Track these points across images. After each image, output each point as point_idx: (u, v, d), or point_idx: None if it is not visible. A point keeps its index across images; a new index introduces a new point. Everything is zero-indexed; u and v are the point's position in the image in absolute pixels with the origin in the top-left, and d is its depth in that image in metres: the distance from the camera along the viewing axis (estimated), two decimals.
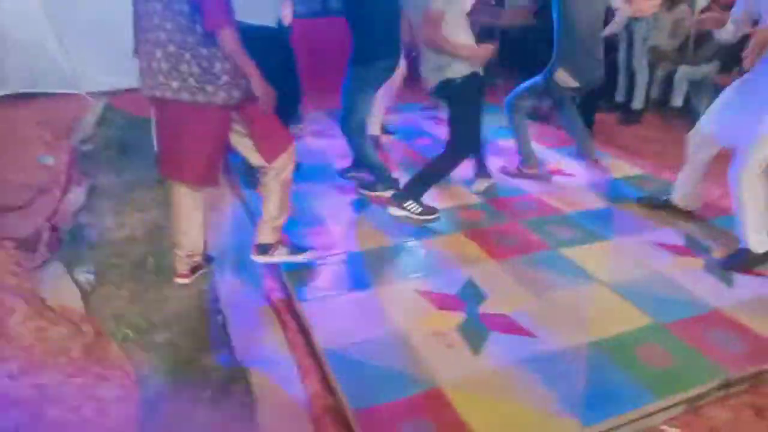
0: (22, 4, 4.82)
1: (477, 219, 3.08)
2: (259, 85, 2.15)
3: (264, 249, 2.49)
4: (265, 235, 2.48)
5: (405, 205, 2.93)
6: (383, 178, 3.32)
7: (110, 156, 3.90)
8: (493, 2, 5.98)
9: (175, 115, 2.21)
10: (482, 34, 3.81)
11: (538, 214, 3.13)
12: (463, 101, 2.88)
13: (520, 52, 5.45)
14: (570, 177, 3.65)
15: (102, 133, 4.26)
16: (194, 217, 2.44)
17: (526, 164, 3.62)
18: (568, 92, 3.49)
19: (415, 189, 2.99)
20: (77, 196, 3.32)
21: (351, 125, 3.22)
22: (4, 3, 4.75)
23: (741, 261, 2.54)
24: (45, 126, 4.23)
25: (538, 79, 3.52)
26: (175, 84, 2.11)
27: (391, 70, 3.21)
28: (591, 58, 3.35)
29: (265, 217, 2.46)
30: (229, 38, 2.05)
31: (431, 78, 2.88)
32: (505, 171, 3.69)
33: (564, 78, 3.34)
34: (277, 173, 2.36)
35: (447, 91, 2.86)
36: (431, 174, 3.03)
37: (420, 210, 2.94)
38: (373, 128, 3.79)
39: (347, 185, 3.49)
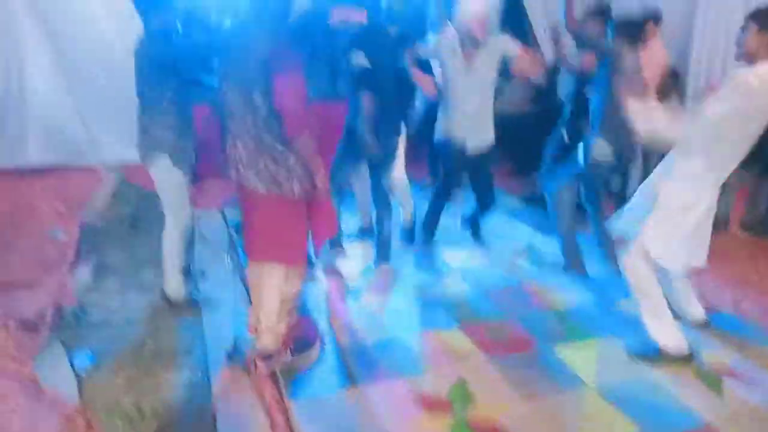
0: (46, 77, 5.09)
1: (473, 311, 3.13)
2: (322, 181, 2.39)
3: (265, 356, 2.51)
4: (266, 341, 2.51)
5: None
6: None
7: (121, 232, 4.03)
8: None
9: (252, 203, 2.39)
10: None
11: (533, 308, 3.17)
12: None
13: (517, 138, 5.66)
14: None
15: (114, 208, 4.41)
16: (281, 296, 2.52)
17: (571, 263, 3.61)
18: (602, 169, 3.51)
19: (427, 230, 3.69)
20: (84, 273, 3.42)
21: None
22: (30, 76, 5.02)
23: (652, 357, 2.62)
24: (59, 199, 4.39)
25: (571, 164, 3.59)
26: (251, 175, 2.29)
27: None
28: (630, 132, 3.45)
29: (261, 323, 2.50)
30: (307, 143, 2.29)
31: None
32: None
33: (603, 150, 3.39)
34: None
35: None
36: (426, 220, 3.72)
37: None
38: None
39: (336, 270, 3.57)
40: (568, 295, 3.32)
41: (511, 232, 4.32)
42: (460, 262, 3.77)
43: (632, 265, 2.61)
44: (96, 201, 4.53)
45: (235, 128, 2.29)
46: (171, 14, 2.89)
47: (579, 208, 3.76)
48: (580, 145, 3.57)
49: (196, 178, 3.26)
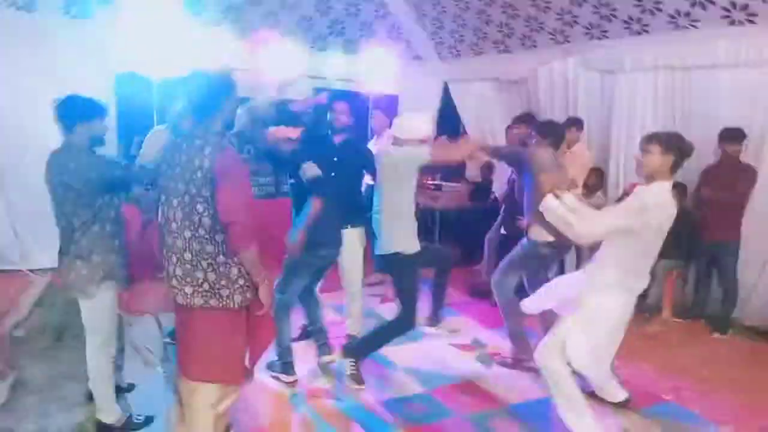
0: None
1: (419, 413, 3.04)
2: (266, 294, 2.27)
3: None
4: None
5: (348, 360, 3.29)
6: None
7: (43, 343, 3.74)
8: (432, 187, 6.55)
9: (187, 319, 2.26)
10: (422, 215, 4.11)
11: (481, 406, 3.12)
12: (407, 275, 3.20)
13: (457, 231, 5.86)
14: (508, 360, 3.71)
15: (38, 317, 4.13)
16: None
17: (521, 352, 3.61)
18: (544, 249, 3.59)
19: (361, 349, 3.35)
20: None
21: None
22: None
23: None
24: None
25: (514, 253, 3.71)
26: (188, 289, 2.18)
27: (333, 258, 3.42)
28: None
29: None
30: (252, 256, 2.18)
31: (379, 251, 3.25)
32: (501, 361, 3.69)
33: (539, 232, 3.50)
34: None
35: (391, 265, 3.21)
36: (378, 339, 3.36)
37: (354, 372, 3.30)
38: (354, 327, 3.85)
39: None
40: (513, 391, 3.30)
41: (456, 325, 4.32)
42: (403, 359, 3.70)
43: (549, 363, 2.69)
44: (19, 309, 4.23)
45: (172, 242, 2.21)
46: (98, 125, 2.68)
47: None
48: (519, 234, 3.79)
49: (128, 281, 3.03)
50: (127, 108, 5.01)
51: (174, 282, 2.21)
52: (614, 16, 4.78)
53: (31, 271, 5.01)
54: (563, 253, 3.93)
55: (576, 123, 4.89)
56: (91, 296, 2.64)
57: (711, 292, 4.54)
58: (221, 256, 2.18)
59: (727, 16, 4.11)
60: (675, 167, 2.55)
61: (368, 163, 3.57)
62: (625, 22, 4.74)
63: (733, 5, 4.01)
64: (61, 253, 2.72)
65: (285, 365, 3.36)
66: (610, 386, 3.08)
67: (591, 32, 5.08)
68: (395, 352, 3.75)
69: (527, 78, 5.84)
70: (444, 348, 3.91)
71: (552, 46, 5.50)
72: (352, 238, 3.57)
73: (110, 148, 5.14)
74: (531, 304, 3.06)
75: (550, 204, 2.63)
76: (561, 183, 3.74)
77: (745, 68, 4.19)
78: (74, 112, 2.60)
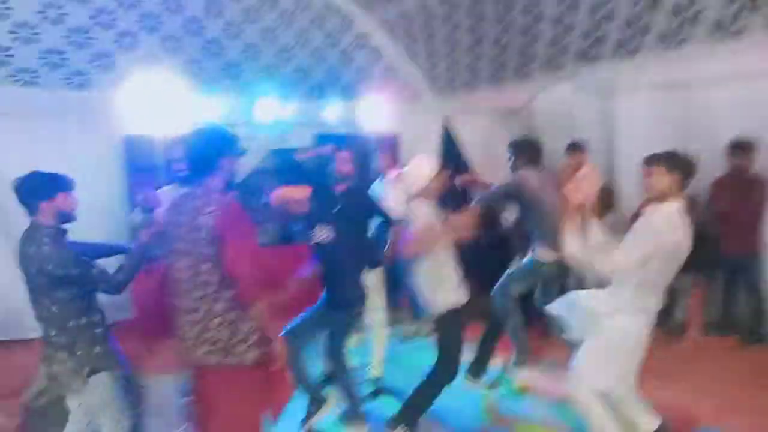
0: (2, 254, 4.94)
1: None
2: (279, 349, 2.26)
3: None
4: None
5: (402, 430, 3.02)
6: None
7: (64, 412, 3.67)
8: None
9: (203, 380, 2.24)
10: None
11: None
12: (454, 329, 3.06)
13: (467, 261, 5.75)
14: (543, 394, 3.60)
15: (57, 384, 4.06)
16: None
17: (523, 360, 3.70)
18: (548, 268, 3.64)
19: (411, 415, 3.06)
20: None
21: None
22: None
23: None
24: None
25: (516, 269, 3.78)
26: (202, 349, 2.17)
27: (361, 315, 3.36)
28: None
29: None
30: (261, 309, 2.16)
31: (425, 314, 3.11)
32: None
33: (546, 254, 3.54)
34: None
35: (439, 322, 3.05)
36: (424, 399, 3.09)
37: None
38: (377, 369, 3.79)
39: None
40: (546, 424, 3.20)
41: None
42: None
43: (585, 402, 2.62)
44: (38, 378, 4.17)
45: (182, 303, 2.19)
46: (64, 200, 2.53)
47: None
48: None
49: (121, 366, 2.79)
50: (136, 170, 5.08)
51: (189, 343, 2.19)
52: (604, 40, 4.85)
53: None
54: (566, 273, 3.90)
55: (578, 147, 4.90)
56: (78, 391, 2.49)
57: (739, 306, 4.44)
58: (232, 313, 2.16)
59: (718, 31, 4.15)
60: (683, 184, 2.53)
61: (374, 207, 3.56)
62: (615, 45, 4.80)
63: (722, 20, 4.06)
64: (43, 341, 2.54)
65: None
66: (640, 415, 2.94)
67: (583, 58, 5.15)
68: None
69: (524, 107, 5.89)
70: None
71: (545, 73, 5.57)
72: (372, 280, 3.55)
73: (118, 210, 5.26)
74: (558, 306, 3.00)
75: (570, 251, 2.61)
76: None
77: (744, 81, 4.20)
78: (35, 190, 2.45)
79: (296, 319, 3.22)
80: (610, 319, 2.60)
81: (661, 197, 2.53)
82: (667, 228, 2.46)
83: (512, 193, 3.69)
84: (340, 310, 3.14)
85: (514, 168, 3.84)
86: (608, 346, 2.60)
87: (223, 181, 2.29)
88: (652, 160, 2.57)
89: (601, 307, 2.67)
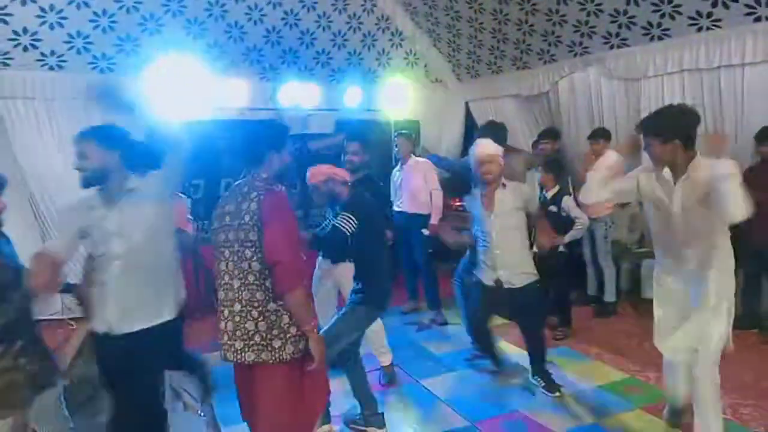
0: (23, 234, 5.08)
1: None
2: (316, 345, 2.15)
3: None
4: None
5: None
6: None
7: (85, 393, 3.77)
8: (462, 208, 6.46)
9: (243, 377, 2.22)
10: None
11: None
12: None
13: None
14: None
15: (79, 366, 4.18)
16: None
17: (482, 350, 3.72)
18: None
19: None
20: None
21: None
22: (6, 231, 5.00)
23: None
24: None
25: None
26: (238, 344, 2.10)
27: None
28: None
29: None
30: (298, 298, 2.10)
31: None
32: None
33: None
34: None
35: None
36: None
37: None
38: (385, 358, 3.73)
39: None
40: (563, 419, 3.17)
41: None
42: (443, 391, 3.60)
43: (711, 377, 2.46)
44: (61, 360, 4.30)
45: (224, 295, 2.16)
46: None
47: None
48: None
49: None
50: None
51: (225, 338, 2.15)
52: (633, 24, 4.69)
53: (72, 320, 5.12)
54: None
55: (602, 134, 4.80)
56: (28, 406, 2.34)
57: (762, 300, 4.31)
58: (272, 303, 2.10)
59: (752, 13, 3.99)
60: (690, 145, 2.37)
61: (385, 199, 3.51)
62: (645, 28, 4.65)
63: (758, 2, 3.89)
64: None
65: (374, 417, 3.07)
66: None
67: (610, 41, 5.00)
68: (435, 384, 3.67)
69: (548, 92, 5.77)
70: (484, 376, 3.79)
71: (571, 58, 5.44)
72: None
73: None
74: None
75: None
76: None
77: None
78: None
79: (333, 320, 3.03)
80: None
81: (675, 167, 2.39)
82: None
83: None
84: (381, 306, 2.98)
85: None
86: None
87: (271, 173, 2.24)
88: (648, 132, 2.41)
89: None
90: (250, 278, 2.10)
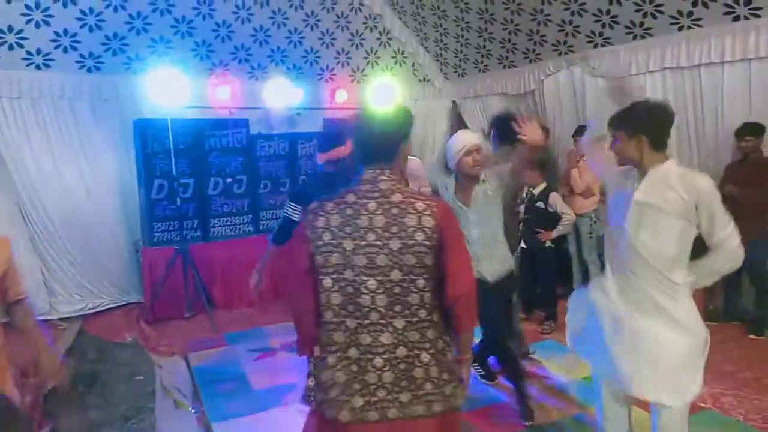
0: (10, 234, 5.05)
1: None
2: (467, 372, 1.80)
3: None
4: None
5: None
6: None
7: (76, 392, 3.79)
8: None
9: None
10: None
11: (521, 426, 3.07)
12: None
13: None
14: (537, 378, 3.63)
15: (69, 365, 4.18)
16: None
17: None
18: None
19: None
20: None
21: None
22: None
23: None
24: (12, 361, 4.15)
25: None
26: (404, 397, 1.62)
27: None
28: None
29: None
30: (472, 335, 1.80)
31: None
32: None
33: None
34: None
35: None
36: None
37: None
38: None
39: None
40: (545, 406, 3.24)
41: None
42: None
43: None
44: (53, 360, 4.30)
45: (371, 340, 1.63)
46: None
47: None
48: None
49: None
50: (147, 153, 5.14)
51: (381, 393, 1.62)
52: (615, 23, 4.78)
53: (61, 320, 5.12)
54: None
55: (586, 131, 4.87)
56: None
57: (743, 294, 4.42)
58: (440, 341, 1.68)
59: (731, 12, 4.09)
60: (658, 144, 2.14)
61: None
62: (627, 27, 4.74)
63: (736, 1, 3.99)
64: None
65: None
66: None
67: (594, 40, 5.08)
68: None
69: (534, 90, 5.85)
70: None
71: (556, 57, 5.52)
72: None
73: (132, 192, 5.34)
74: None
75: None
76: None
77: (756, 62, 4.13)
78: None
79: None
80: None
81: (641, 165, 2.16)
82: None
83: None
84: None
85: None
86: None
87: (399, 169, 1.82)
88: (611, 124, 2.20)
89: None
90: (422, 314, 1.65)
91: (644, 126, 2.12)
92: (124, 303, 5.49)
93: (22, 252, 5.08)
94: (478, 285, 1.85)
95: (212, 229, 5.50)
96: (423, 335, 1.65)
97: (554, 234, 4.31)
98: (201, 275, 5.07)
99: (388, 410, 1.62)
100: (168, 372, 3.96)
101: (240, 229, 5.65)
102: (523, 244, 4.65)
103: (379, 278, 1.61)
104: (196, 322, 5.04)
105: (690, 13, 4.29)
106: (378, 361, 1.63)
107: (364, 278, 1.62)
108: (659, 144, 2.13)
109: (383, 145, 1.72)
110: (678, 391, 2.08)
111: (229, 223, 5.58)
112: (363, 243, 1.62)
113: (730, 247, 2.06)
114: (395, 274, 1.61)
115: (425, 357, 1.64)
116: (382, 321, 1.63)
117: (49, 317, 5.12)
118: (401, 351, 1.63)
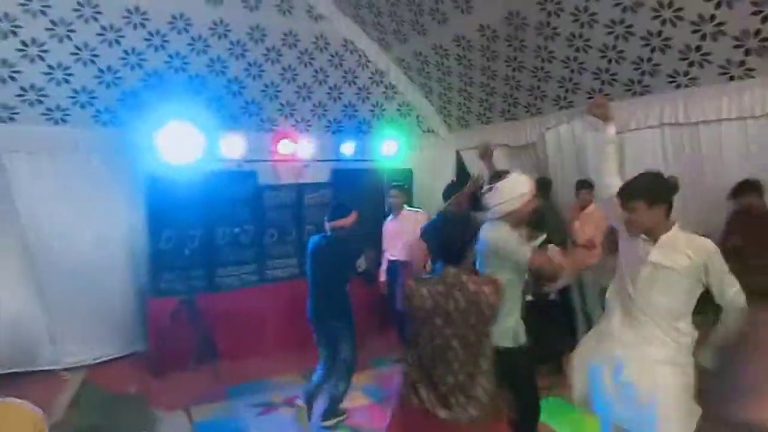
0: (18, 282, 5.12)
1: None
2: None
3: None
4: None
5: None
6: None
7: None
8: None
9: None
10: None
11: None
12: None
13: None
14: None
15: (72, 418, 4.17)
16: None
17: None
18: None
19: None
20: None
21: None
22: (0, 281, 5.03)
23: None
24: None
25: None
26: (472, 409, 2.21)
27: None
28: None
29: None
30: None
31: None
32: None
33: None
34: None
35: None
36: None
37: None
38: None
39: None
40: None
41: None
42: None
43: None
44: (55, 410, 4.29)
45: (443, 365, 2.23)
46: None
47: None
48: None
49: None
50: (156, 204, 5.25)
51: (453, 400, 2.22)
52: (614, 81, 4.93)
53: (65, 370, 5.11)
54: None
55: (587, 185, 4.95)
56: None
57: None
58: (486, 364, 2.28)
59: (725, 73, 4.21)
60: (669, 212, 2.34)
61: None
62: (626, 84, 4.88)
63: (729, 62, 4.12)
64: None
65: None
66: None
67: (593, 96, 5.22)
68: None
69: (536, 142, 5.97)
70: None
71: (556, 110, 5.66)
72: None
73: (141, 242, 5.42)
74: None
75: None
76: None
77: (751, 120, 4.23)
78: None
79: None
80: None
81: (650, 232, 2.34)
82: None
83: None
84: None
85: None
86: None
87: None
88: (631, 196, 2.32)
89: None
90: (473, 339, 2.26)
91: (664, 195, 2.30)
92: (129, 353, 5.49)
93: (29, 301, 5.14)
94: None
95: (218, 279, 5.56)
96: (477, 361, 2.25)
97: (559, 285, 4.32)
98: (206, 325, 5.09)
99: (461, 416, 2.23)
100: (170, 427, 3.94)
101: (245, 278, 5.70)
102: (529, 297, 4.66)
103: (459, 339, 2.24)
104: (200, 374, 5.02)
105: (686, 72, 4.43)
106: (449, 379, 2.22)
107: (450, 340, 2.25)
108: (670, 211, 2.33)
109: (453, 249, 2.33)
110: (678, 420, 2.25)
111: (235, 272, 5.64)
112: (449, 310, 2.24)
113: (741, 304, 2.28)
114: (471, 333, 2.22)
115: (481, 379, 2.24)
116: (459, 369, 2.24)
117: (53, 367, 5.12)
118: (461, 377, 2.22)
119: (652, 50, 4.44)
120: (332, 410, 3.87)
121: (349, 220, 3.79)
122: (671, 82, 4.58)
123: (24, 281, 5.15)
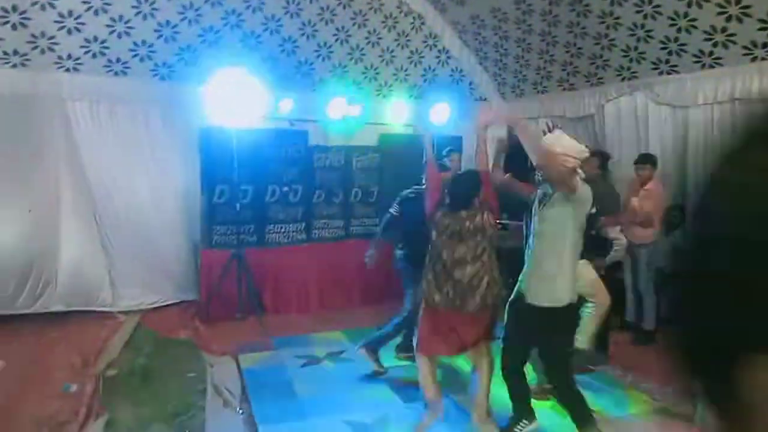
0: (82, 230, 5.38)
1: None
2: None
3: None
4: None
5: None
6: None
7: (132, 384, 3.98)
8: (499, 227, 6.48)
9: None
10: None
11: None
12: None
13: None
14: None
15: (127, 358, 4.40)
16: None
17: None
18: None
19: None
20: None
21: None
22: (66, 224, 5.30)
23: None
24: (75, 349, 4.41)
25: None
26: (479, 300, 3.07)
27: None
28: None
29: None
30: None
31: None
32: None
33: None
34: None
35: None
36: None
37: None
38: None
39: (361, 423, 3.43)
40: None
41: None
42: None
43: None
44: (109, 350, 4.54)
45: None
46: None
47: None
48: None
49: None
50: (211, 160, 5.36)
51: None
52: (683, 51, 4.67)
53: (121, 312, 5.38)
54: None
55: (649, 160, 4.76)
56: None
57: None
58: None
59: None
60: None
61: None
62: (696, 56, 4.62)
63: None
64: None
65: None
66: None
67: (659, 67, 4.98)
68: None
69: (593, 114, 5.77)
70: None
71: (618, 81, 5.43)
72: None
73: (194, 196, 5.57)
74: None
75: None
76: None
77: None
78: None
79: None
80: None
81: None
82: None
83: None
84: None
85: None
86: None
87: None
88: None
89: None
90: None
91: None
92: (181, 301, 5.72)
93: (91, 247, 5.40)
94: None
95: (267, 235, 5.68)
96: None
97: (607, 260, 4.21)
98: (254, 279, 5.23)
99: (468, 306, 3.17)
100: (219, 371, 4.11)
101: (293, 236, 5.81)
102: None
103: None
104: (247, 324, 5.19)
105: (765, 44, 4.15)
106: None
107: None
108: None
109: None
110: None
111: (283, 230, 5.75)
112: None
113: None
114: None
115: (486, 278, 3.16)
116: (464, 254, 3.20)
117: (110, 309, 5.39)
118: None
119: (728, 19, 4.17)
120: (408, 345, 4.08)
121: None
122: (747, 54, 4.30)
123: (87, 228, 5.40)
